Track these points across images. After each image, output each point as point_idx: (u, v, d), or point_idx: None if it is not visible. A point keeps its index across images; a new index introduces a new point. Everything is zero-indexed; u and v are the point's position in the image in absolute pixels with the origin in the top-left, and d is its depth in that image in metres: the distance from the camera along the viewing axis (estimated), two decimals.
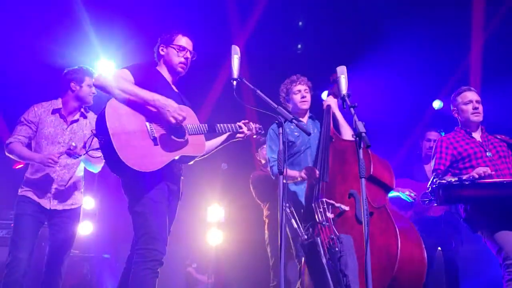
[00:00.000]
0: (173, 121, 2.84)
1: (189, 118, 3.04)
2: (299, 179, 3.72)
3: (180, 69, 3.20)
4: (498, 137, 3.84)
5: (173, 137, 2.90)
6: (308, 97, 4.04)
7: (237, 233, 7.14)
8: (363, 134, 2.67)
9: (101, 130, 2.75)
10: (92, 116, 4.00)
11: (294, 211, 3.40)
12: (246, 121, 3.30)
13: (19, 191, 3.77)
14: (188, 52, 3.22)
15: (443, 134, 5.12)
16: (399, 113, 6.77)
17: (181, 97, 3.22)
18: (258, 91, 2.80)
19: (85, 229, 5.97)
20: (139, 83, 2.91)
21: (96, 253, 5.99)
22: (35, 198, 3.70)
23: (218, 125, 3.17)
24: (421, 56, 6.39)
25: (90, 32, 5.77)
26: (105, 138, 2.71)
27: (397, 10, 6.07)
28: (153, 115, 2.87)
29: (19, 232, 3.61)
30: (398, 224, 3.12)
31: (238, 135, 3.27)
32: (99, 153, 3.91)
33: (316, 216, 3.38)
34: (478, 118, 3.79)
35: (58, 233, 3.76)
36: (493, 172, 3.45)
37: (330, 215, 3.31)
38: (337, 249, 3.03)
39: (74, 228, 3.87)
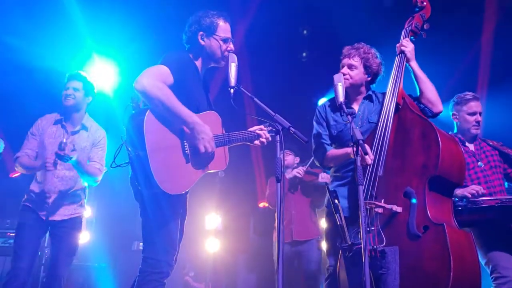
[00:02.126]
0: (203, 150, 2.68)
1: (215, 125, 2.89)
2: (352, 156, 2.95)
3: (223, 63, 2.95)
4: (491, 143, 3.80)
5: (201, 152, 2.76)
6: (352, 73, 3.26)
7: (235, 241, 7.13)
8: (361, 142, 2.67)
9: (136, 144, 2.58)
10: (95, 128, 4.00)
11: (340, 208, 2.96)
12: (261, 127, 3.09)
13: (22, 200, 3.80)
14: (231, 43, 2.97)
15: None
16: None
17: (207, 95, 3.05)
18: (256, 99, 2.79)
19: (82, 238, 5.92)
20: (177, 83, 2.74)
21: (93, 262, 5.96)
22: (34, 208, 3.73)
23: (237, 133, 2.99)
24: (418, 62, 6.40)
25: (84, 31, 5.65)
26: (140, 153, 2.56)
27: (394, 18, 6.10)
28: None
29: (20, 242, 3.64)
30: (454, 251, 2.60)
31: (256, 142, 3.06)
32: (97, 164, 3.93)
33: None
34: (477, 131, 3.77)
35: (59, 243, 3.76)
36: (485, 191, 3.41)
37: (378, 210, 2.81)
38: (378, 263, 2.65)
39: (75, 238, 3.86)
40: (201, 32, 2.93)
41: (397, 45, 3.28)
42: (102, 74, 5.93)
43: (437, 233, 2.66)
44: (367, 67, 3.29)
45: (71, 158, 3.60)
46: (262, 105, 2.76)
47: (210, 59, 2.99)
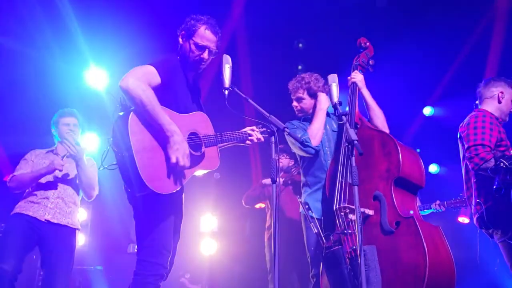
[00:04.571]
0: (174, 161, 2.59)
1: (204, 125, 2.88)
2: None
3: (195, 67, 2.95)
4: None
5: (191, 151, 2.73)
6: (301, 104, 3.70)
7: (231, 242, 7.12)
8: (355, 142, 2.68)
9: (122, 144, 2.56)
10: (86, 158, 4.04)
11: (315, 216, 3.16)
12: (253, 127, 3.12)
13: (14, 209, 3.76)
14: (207, 52, 2.91)
15: None
16: (390, 120, 6.83)
17: (198, 97, 3.04)
18: (250, 100, 2.79)
19: (77, 241, 5.91)
20: (165, 83, 2.74)
21: (89, 265, 5.94)
22: (29, 213, 3.70)
23: (228, 133, 2.98)
24: (411, 63, 6.44)
25: (79, 38, 5.61)
26: (126, 154, 2.53)
27: (389, 23, 6.17)
28: None
29: (5, 244, 3.61)
30: (427, 239, 2.82)
31: (247, 142, 3.09)
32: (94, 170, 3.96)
33: (337, 223, 3.07)
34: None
35: (55, 261, 3.71)
36: None
37: (352, 217, 2.99)
38: (359, 261, 2.73)
39: (71, 252, 3.85)
40: (182, 32, 2.94)
41: (348, 77, 3.62)
42: (97, 80, 5.90)
43: (408, 226, 2.90)
44: (312, 94, 3.65)
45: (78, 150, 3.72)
46: (257, 106, 2.75)
47: (185, 61, 2.94)
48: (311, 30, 6.68)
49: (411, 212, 3.05)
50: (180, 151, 2.60)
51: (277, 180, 2.55)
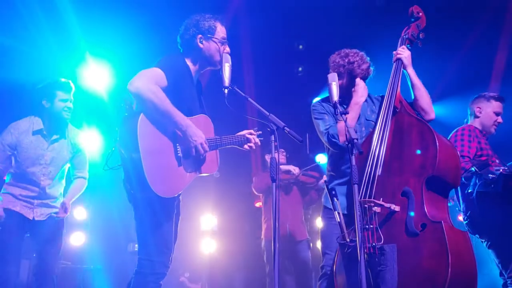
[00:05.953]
0: (194, 153, 2.73)
1: (206, 128, 2.89)
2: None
3: (219, 66, 2.91)
4: None
5: (193, 154, 2.78)
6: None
7: (231, 242, 7.11)
8: (355, 141, 2.68)
9: (130, 146, 2.59)
10: (72, 134, 3.93)
11: (339, 206, 2.93)
12: (251, 131, 3.14)
13: (3, 201, 3.72)
14: (227, 45, 2.97)
15: None
16: None
17: (200, 98, 3.07)
18: (250, 99, 2.79)
19: (77, 239, 5.91)
20: (171, 86, 2.74)
21: (89, 264, 5.93)
22: (16, 209, 3.70)
23: (228, 137, 3.02)
24: (412, 61, 6.42)
25: (77, 31, 5.48)
26: (134, 156, 2.56)
27: (388, 21, 6.14)
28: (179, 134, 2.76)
29: (6, 245, 3.62)
30: (452, 248, 2.63)
31: (245, 146, 3.12)
32: (82, 173, 4.01)
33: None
34: (494, 132, 3.94)
35: (45, 244, 3.77)
36: None
37: (376, 209, 2.83)
38: (377, 259, 2.70)
39: (60, 234, 3.88)
40: (199, 35, 2.92)
41: (394, 52, 3.35)
42: (96, 75, 5.87)
43: (435, 231, 2.70)
44: (353, 76, 3.33)
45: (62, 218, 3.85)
46: (257, 105, 2.76)
47: (207, 62, 2.97)
48: (310, 30, 6.66)
49: (440, 215, 2.85)
50: (198, 141, 2.71)
51: (277, 178, 2.55)
